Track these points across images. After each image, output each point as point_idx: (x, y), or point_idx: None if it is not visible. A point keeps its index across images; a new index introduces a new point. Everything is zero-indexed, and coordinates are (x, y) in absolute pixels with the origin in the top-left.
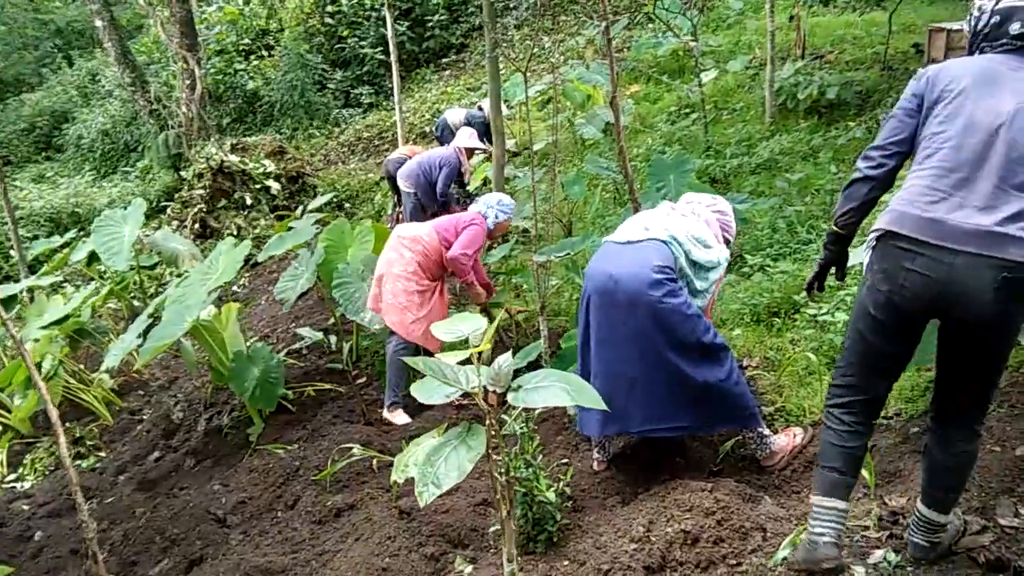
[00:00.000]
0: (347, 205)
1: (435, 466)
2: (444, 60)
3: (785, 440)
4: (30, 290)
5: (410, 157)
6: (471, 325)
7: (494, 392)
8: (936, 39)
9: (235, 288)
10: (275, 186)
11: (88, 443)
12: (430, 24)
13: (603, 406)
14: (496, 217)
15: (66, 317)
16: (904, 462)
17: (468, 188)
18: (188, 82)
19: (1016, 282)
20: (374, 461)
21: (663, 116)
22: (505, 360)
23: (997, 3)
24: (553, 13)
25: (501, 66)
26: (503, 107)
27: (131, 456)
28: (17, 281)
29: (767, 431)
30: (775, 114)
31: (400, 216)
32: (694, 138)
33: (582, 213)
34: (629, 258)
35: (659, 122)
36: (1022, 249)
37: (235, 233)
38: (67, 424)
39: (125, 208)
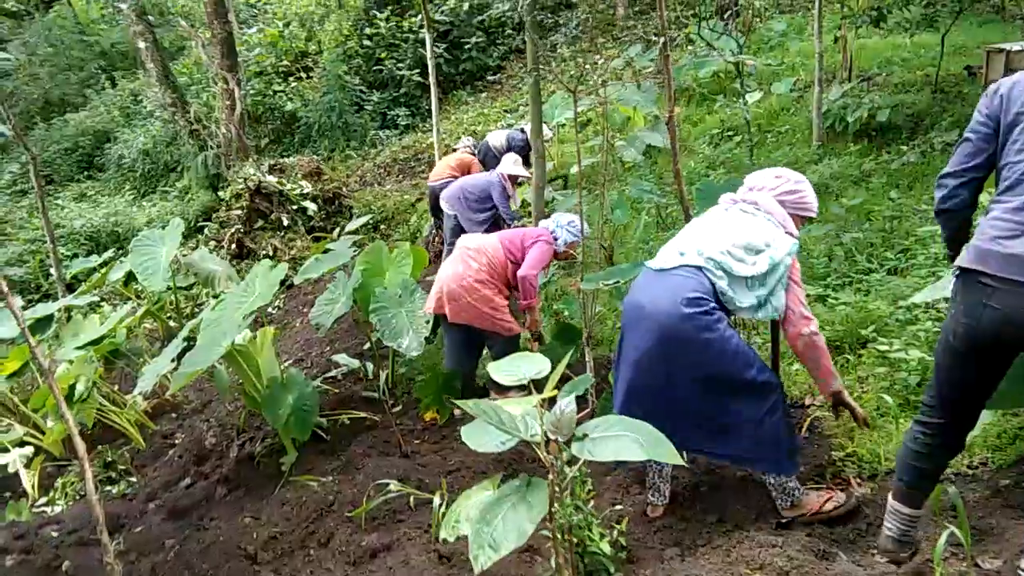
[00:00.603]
0: (382, 226)
1: (491, 525)
2: (480, 82)
3: (816, 499)
4: (67, 310)
5: (453, 174)
6: (533, 366)
7: (555, 442)
8: (995, 60)
9: (270, 310)
10: (312, 207)
11: (120, 467)
12: (467, 46)
13: (679, 460)
14: (566, 237)
15: (101, 338)
16: (996, 518)
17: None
18: (228, 103)
19: None
20: (411, 498)
21: (705, 138)
22: (568, 405)
23: None
24: (593, 36)
25: (522, 89)
26: (544, 129)
27: (162, 482)
28: (55, 300)
29: (795, 483)
30: (823, 137)
31: (435, 239)
32: (738, 161)
33: (624, 238)
34: (661, 289)
35: (701, 145)
36: None
37: (271, 254)
38: (99, 447)
39: (163, 228)
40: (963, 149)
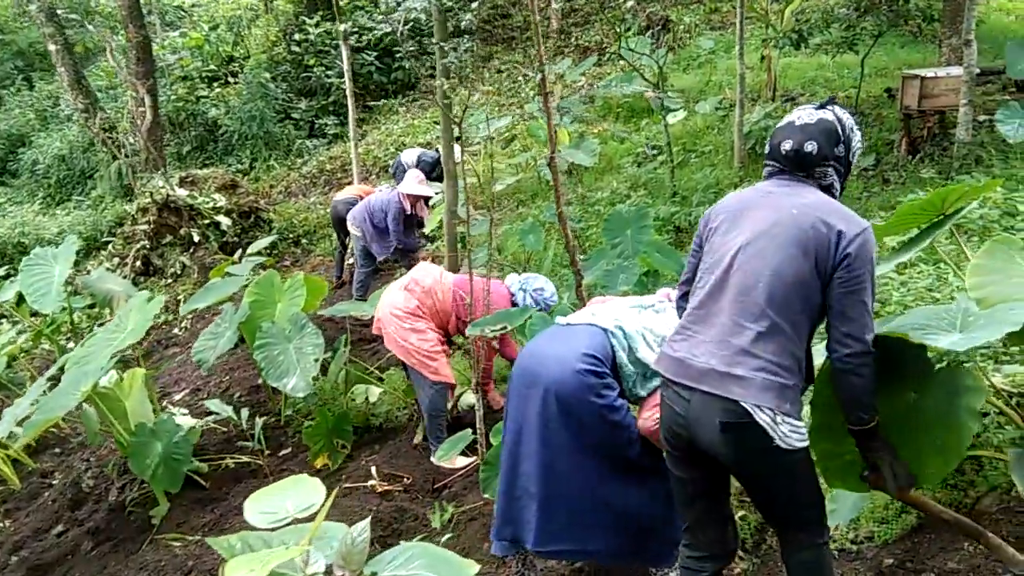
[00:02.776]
0: (304, 241)
1: None
2: (413, 91)
3: None
4: None
5: (361, 197)
6: (303, 497)
7: None
8: (909, 87)
9: (176, 331)
10: (225, 222)
11: None
12: (399, 55)
13: None
14: (527, 304)
15: None
16: None
17: (425, 231)
18: (140, 110)
19: (737, 428)
20: None
21: (630, 157)
22: (360, 532)
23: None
24: (491, 51)
25: (456, 99)
26: (455, 149)
27: (32, 529)
28: None
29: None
30: (744, 159)
31: (347, 261)
32: (660, 182)
33: (539, 262)
34: (560, 341)
35: (626, 163)
36: (746, 389)
37: (179, 272)
38: None
39: (56, 246)
40: (687, 265)
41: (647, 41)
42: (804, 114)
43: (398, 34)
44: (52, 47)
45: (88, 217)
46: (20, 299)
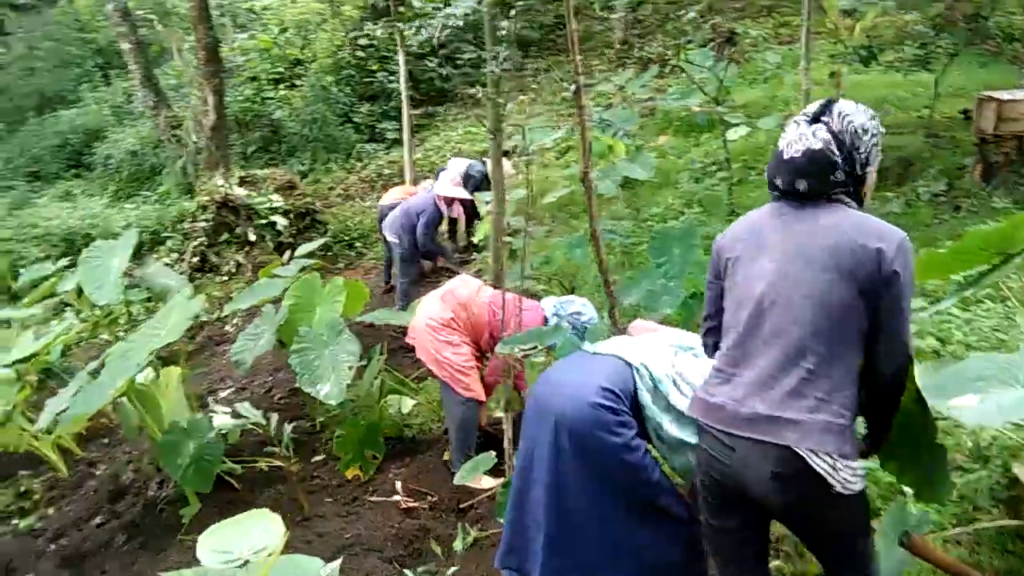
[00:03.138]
0: (358, 244)
1: None
2: (473, 98)
3: None
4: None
5: (403, 199)
6: (258, 538)
7: None
8: (985, 108)
9: (228, 328)
10: (281, 222)
11: (36, 497)
12: (460, 62)
13: None
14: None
15: (32, 355)
16: None
17: (473, 239)
18: (204, 109)
19: (792, 478)
20: None
21: (688, 172)
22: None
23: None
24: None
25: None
26: (505, 164)
27: (73, 518)
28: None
29: None
30: None
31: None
32: (717, 199)
33: (585, 277)
34: (578, 371)
35: (683, 178)
36: (801, 434)
37: (234, 270)
38: (20, 473)
39: (115, 239)
40: (706, 299)
41: (709, 54)
42: (794, 138)
43: (433, 40)
44: (125, 46)
45: (153, 212)
46: (80, 291)
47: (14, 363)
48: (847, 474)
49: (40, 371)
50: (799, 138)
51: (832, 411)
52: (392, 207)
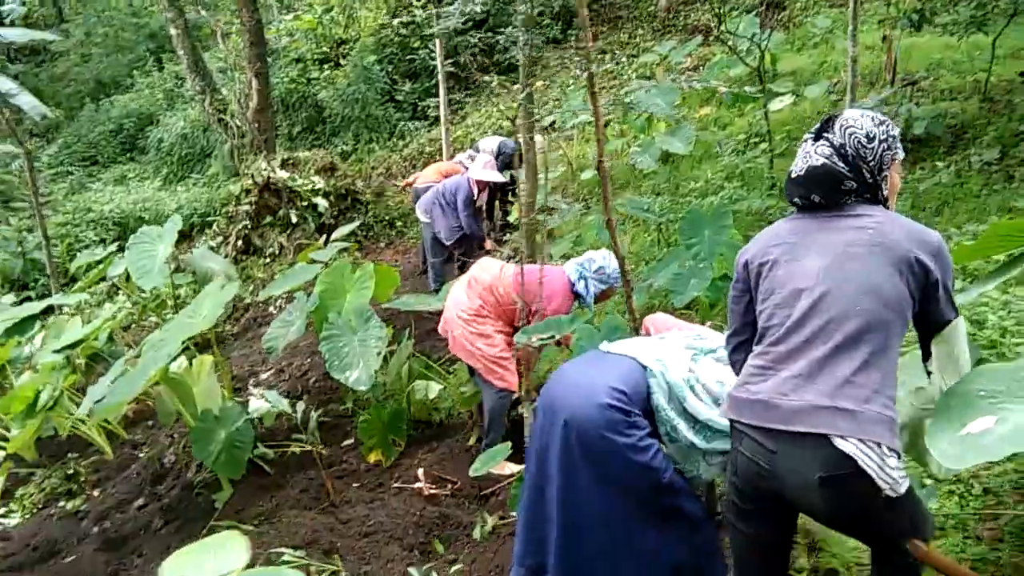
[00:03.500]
0: (399, 223)
1: None
2: (515, 73)
3: None
4: (50, 308)
5: (437, 181)
6: (222, 562)
7: None
8: None
9: (272, 309)
10: (323, 203)
11: (82, 480)
12: (500, 37)
13: None
14: (590, 290)
15: (79, 341)
16: None
17: (508, 218)
18: (248, 92)
19: (839, 480)
20: (312, 570)
21: (731, 144)
22: None
23: None
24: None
25: (557, 81)
26: (537, 139)
27: (116, 501)
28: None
29: None
30: None
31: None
32: (759, 172)
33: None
34: (590, 370)
35: (725, 151)
36: (854, 424)
37: (277, 252)
38: (68, 456)
39: (162, 224)
40: (730, 317)
41: (754, 21)
42: (800, 157)
43: (472, 13)
44: (173, 31)
45: (203, 194)
46: (128, 276)
47: (62, 349)
48: (896, 474)
49: (88, 356)
50: (804, 157)
51: (883, 403)
52: (426, 189)
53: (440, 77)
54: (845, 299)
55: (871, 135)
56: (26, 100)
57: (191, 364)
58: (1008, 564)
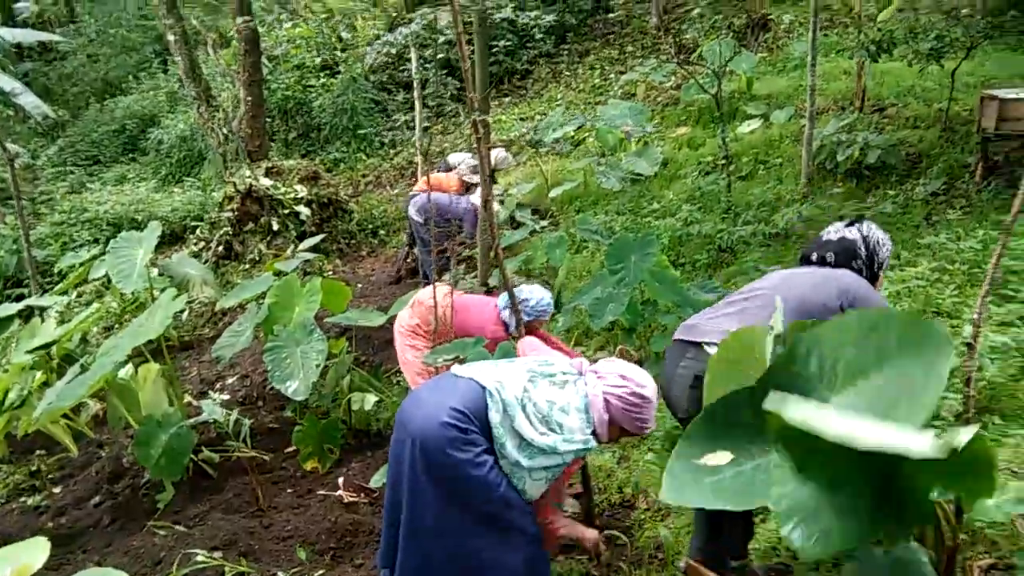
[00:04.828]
0: (381, 232)
1: None
2: (506, 86)
3: None
4: (25, 310)
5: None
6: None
7: None
8: (987, 107)
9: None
10: (305, 212)
11: (48, 477)
12: (495, 50)
13: None
14: (523, 318)
15: (52, 343)
16: None
17: None
18: (239, 101)
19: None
20: (226, 570)
21: (697, 166)
22: None
23: None
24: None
25: (544, 96)
26: (502, 154)
27: (75, 498)
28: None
29: None
30: (812, 175)
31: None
32: (715, 196)
33: (579, 275)
34: (437, 392)
35: (692, 172)
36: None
37: (257, 258)
38: (36, 452)
39: (140, 229)
40: None
41: (730, 43)
42: (832, 230)
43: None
44: (171, 37)
45: (197, 198)
46: (109, 279)
47: (34, 350)
48: None
49: (61, 358)
50: (836, 230)
51: None
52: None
53: (416, 90)
54: (769, 300)
55: (883, 242)
56: (29, 100)
57: (136, 371)
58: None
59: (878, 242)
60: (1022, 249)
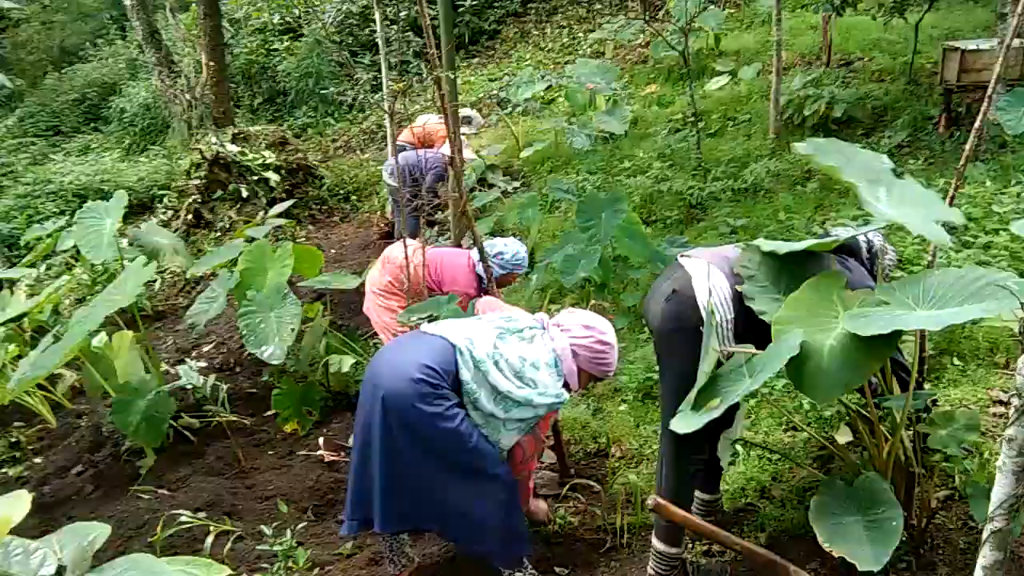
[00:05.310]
0: (353, 198)
1: None
2: (475, 46)
3: None
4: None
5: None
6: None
7: None
8: (949, 59)
9: None
10: (274, 178)
11: (28, 448)
12: (461, 9)
13: None
14: (495, 273)
15: (22, 315)
16: None
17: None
18: (209, 65)
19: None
20: (211, 528)
21: (667, 124)
22: (92, 539)
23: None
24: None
25: (513, 56)
26: (472, 113)
27: (56, 467)
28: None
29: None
30: (779, 130)
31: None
32: (685, 153)
33: (552, 234)
34: (406, 349)
35: (661, 130)
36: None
37: (228, 226)
38: (15, 424)
39: (107, 199)
40: None
41: (700, 1)
42: (840, 230)
43: None
44: (127, 1)
45: (163, 167)
46: (77, 251)
47: (5, 323)
48: (718, 308)
49: (33, 329)
50: (844, 232)
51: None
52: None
53: (381, 51)
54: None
55: (887, 251)
56: None
57: (110, 339)
58: (789, 521)
59: (882, 250)
60: (982, 196)
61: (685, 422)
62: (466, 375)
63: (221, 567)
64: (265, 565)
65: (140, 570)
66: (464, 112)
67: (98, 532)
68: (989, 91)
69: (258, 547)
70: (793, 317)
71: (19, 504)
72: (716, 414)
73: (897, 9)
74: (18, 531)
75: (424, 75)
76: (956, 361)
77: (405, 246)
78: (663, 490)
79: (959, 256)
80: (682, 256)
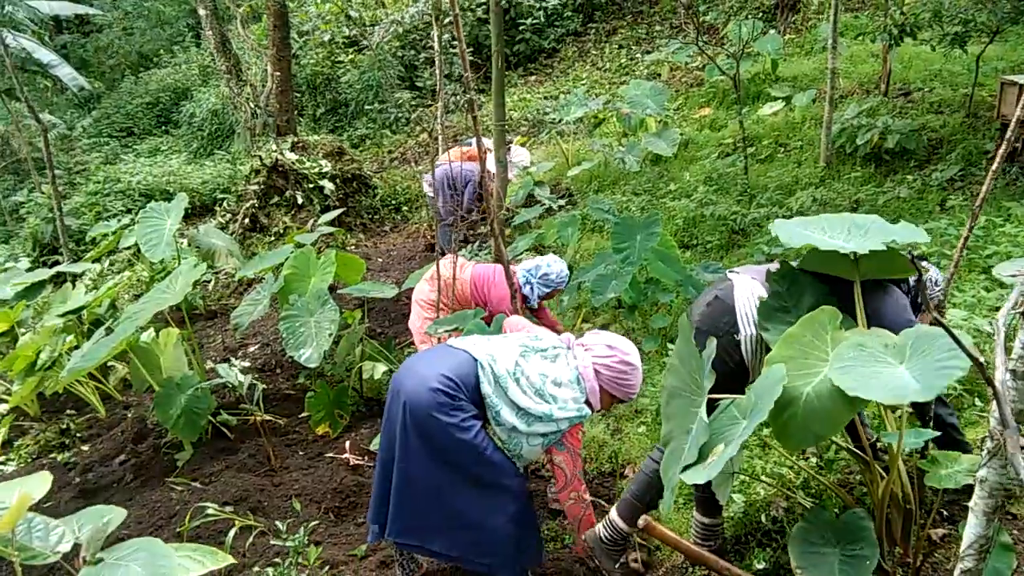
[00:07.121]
0: (404, 208)
1: None
2: (533, 64)
3: None
4: (58, 276)
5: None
6: (26, 490)
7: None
8: (1008, 94)
9: None
10: (329, 186)
11: (76, 435)
12: (522, 27)
13: None
14: (535, 292)
15: (81, 308)
16: None
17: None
18: (276, 73)
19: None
20: (235, 522)
21: (717, 148)
22: (107, 521)
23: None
24: (616, 26)
25: (570, 75)
26: (521, 152)
27: (101, 456)
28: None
29: None
30: (830, 159)
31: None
32: (732, 178)
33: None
34: (431, 360)
35: (711, 153)
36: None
37: (282, 231)
38: (68, 412)
39: (170, 200)
40: None
41: (758, 26)
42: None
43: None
44: (202, 11)
45: (227, 171)
46: (138, 248)
47: (64, 314)
48: (751, 319)
49: (91, 322)
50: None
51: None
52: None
53: (437, 74)
54: None
55: (937, 282)
56: (65, 72)
57: (158, 335)
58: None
59: (931, 279)
60: (1023, 236)
61: (698, 474)
62: (487, 389)
63: (225, 556)
64: (279, 561)
65: (147, 551)
66: (515, 153)
67: (113, 515)
68: None
69: (273, 543)
70: (785, 356)
71: (41, 483)
72: (726, 458)
73: (958, 41)
74: (58, 513)
75: (462, 95)
76: (978, 402)
77: (454, 263)
78: (631, 492)
79: (990, 295)
80: (731, 272)
